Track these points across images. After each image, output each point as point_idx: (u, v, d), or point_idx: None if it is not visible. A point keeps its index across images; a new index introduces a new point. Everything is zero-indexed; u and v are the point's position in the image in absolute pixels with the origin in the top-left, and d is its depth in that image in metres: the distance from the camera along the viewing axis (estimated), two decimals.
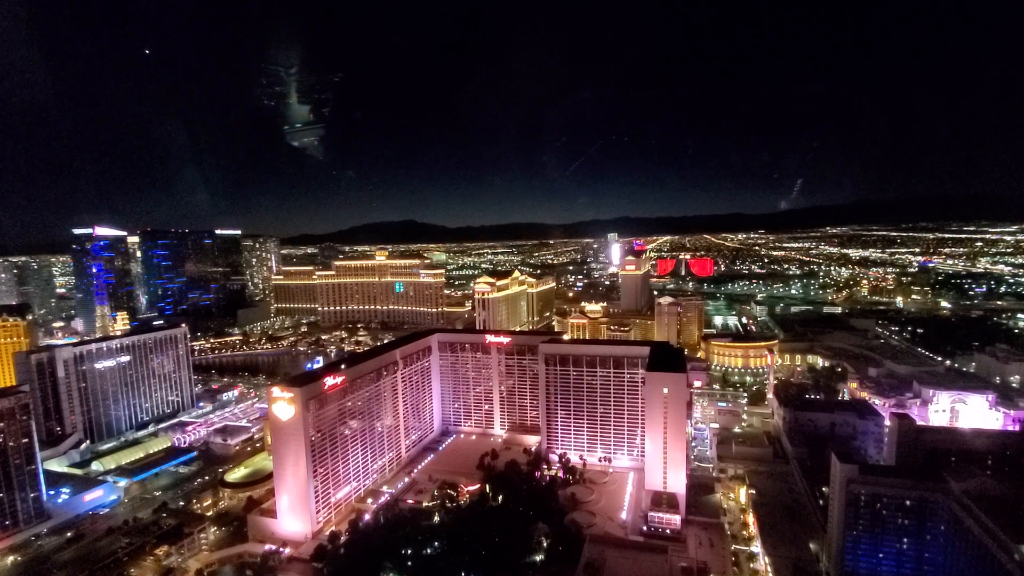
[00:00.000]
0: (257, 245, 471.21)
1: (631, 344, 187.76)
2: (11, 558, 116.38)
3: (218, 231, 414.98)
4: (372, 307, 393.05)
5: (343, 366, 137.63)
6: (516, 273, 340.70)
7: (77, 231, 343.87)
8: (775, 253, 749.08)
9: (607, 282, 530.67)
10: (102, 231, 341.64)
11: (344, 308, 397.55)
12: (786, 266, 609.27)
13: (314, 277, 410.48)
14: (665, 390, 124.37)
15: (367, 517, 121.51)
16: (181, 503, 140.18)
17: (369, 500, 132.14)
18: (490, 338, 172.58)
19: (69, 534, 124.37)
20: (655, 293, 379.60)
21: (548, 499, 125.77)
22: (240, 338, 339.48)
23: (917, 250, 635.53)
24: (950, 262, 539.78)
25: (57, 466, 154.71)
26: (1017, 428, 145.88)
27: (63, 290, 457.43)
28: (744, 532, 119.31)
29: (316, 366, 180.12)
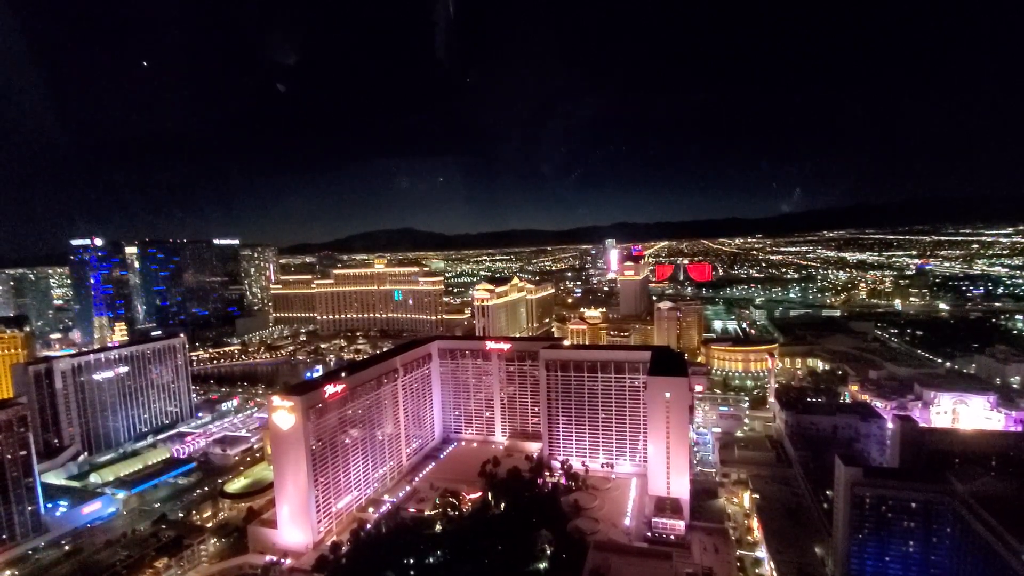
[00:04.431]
0: (255, 254, 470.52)
1: (632, 349, 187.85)
2: (8, 572, 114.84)
3: (216, 241, 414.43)
4: (371, 315, 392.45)
5: (343, 374, 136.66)
6: (515, 280, 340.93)
7: (75, 242, 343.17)
8: (773, 257, 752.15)
9: (606, 288, 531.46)
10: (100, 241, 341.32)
11: (343, 316, 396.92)
12: (784, 270, 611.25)
13: (312, 286, 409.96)
14: (667, 394, 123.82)
15: (369, 526, 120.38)
16: (180, 515, 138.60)
17: (371, 509, 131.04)
18: (490, 345, 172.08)
19: (67, 547, 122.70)
20: (654, 298, 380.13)
21: (551, 506, 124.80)
22: (239, 348, 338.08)
23: (914, 252, 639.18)
24: (947, 264, 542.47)
25: (55, 478, 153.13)
26: (1019, 429, 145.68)
27: (61, 301, 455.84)
28: (749, 537, 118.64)
29: (315, 375, 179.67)
